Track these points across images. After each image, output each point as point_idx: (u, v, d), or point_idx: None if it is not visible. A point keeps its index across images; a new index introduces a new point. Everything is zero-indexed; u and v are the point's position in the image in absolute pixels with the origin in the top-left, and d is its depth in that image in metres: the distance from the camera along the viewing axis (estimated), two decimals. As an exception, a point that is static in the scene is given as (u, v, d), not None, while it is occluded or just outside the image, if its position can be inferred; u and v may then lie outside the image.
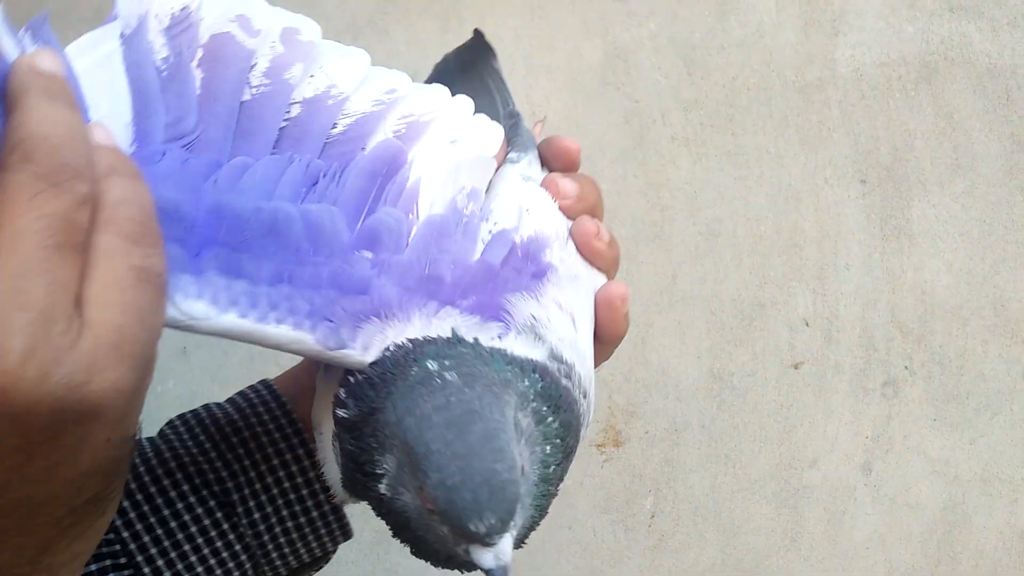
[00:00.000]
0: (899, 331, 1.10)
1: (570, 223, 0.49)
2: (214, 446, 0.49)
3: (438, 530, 0.37)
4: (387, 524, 0.41)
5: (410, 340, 0.40)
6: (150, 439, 0.50)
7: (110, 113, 0.39)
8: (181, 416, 0.51)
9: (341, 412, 0.40)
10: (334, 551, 0.52)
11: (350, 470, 0.41)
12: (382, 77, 0.47)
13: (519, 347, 0.41)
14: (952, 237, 1.10)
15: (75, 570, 0.34)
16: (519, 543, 0.40)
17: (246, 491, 0.48)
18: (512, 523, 0.36)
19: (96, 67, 0.40)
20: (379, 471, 0.38)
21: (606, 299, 0.47)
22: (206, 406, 0.52)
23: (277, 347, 0.39)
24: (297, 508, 0.49)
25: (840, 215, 1.09)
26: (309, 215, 0.40)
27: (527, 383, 0.40)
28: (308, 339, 0.39)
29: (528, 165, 0.50)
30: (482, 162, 0.47)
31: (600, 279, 0.49)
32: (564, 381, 0.42)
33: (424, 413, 0.37)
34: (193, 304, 0.37)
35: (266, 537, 0.48)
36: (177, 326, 0.37)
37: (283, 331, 0.38)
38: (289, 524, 0.48)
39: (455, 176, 0.45)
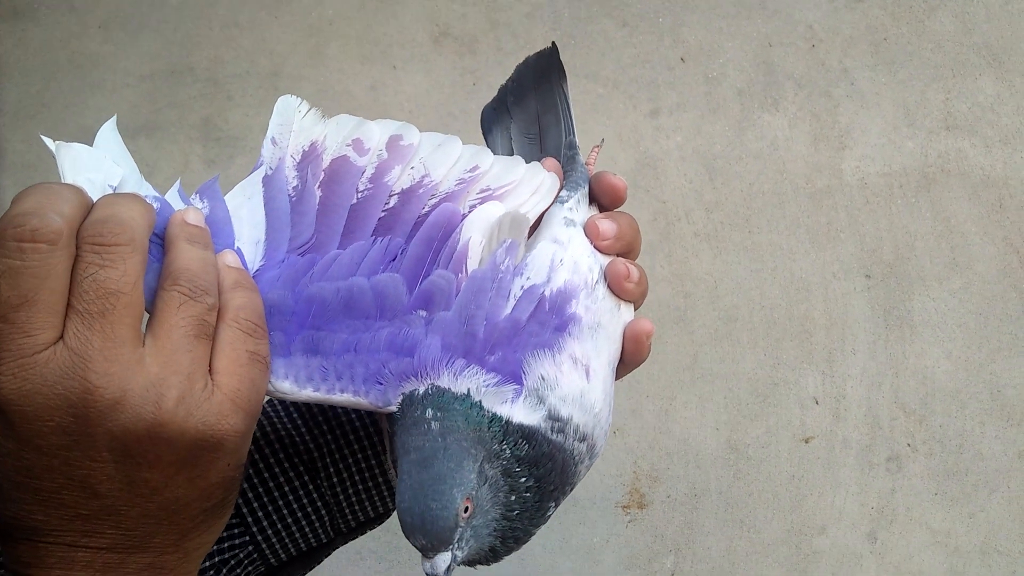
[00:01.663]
0: (902, 411, 1.21)
1: (605, 261, 0.54)
2: (304, 422, 0.60)
3: None
4: None
5: (425, 390, 0.47)
6: None
7: (249, 237, 0.50)
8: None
9: (387, 420, 0.50)
10: (393, 510, 0.61)
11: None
12: (468, 156, 0.53)
13: (519, 414, 0.47)
14: (951, 328, 1.21)
15: (203, 554, 0.46)
16: (484, 562, 0.48)
17: (327, 459, 0.60)
18: (448, 547, 0.45)
19: (243, 206, 0.51)
20: (394, 483, 0.50)
21: (634, 335, 0.53)
22: None
23: (344, 407, 0.49)
24: (367, 475, 0.60)
25: (847, 305, 1.21)
26: (377, 284, 0.48)
27: (506, 447, 0.47)
28: (364, 402, 0.48)
29: (575, 205, 0.55)
30: (520, 220, 0.52)
31: (628, 312, 0.54)
32: (555, 436, 0.48)
33: (407, 448, 0.46)
34: (282, 383, 0.47)
35: (341, 496, 0.60)
36: (274, 396, 0.48)
37: (346, 398, 0.47)
38: (359, 487, 0.60)
39: (497, 231, 0.51)
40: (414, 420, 0.46)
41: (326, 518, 0.60)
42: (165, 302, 0.43)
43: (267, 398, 0.64)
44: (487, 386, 0.47)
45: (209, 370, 0.44)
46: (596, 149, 0.62)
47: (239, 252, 0.49)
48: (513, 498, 0.47)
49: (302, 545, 0.60)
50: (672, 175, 1.21)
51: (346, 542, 0.64)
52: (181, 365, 0.42)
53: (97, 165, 0.47)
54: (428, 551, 0.45)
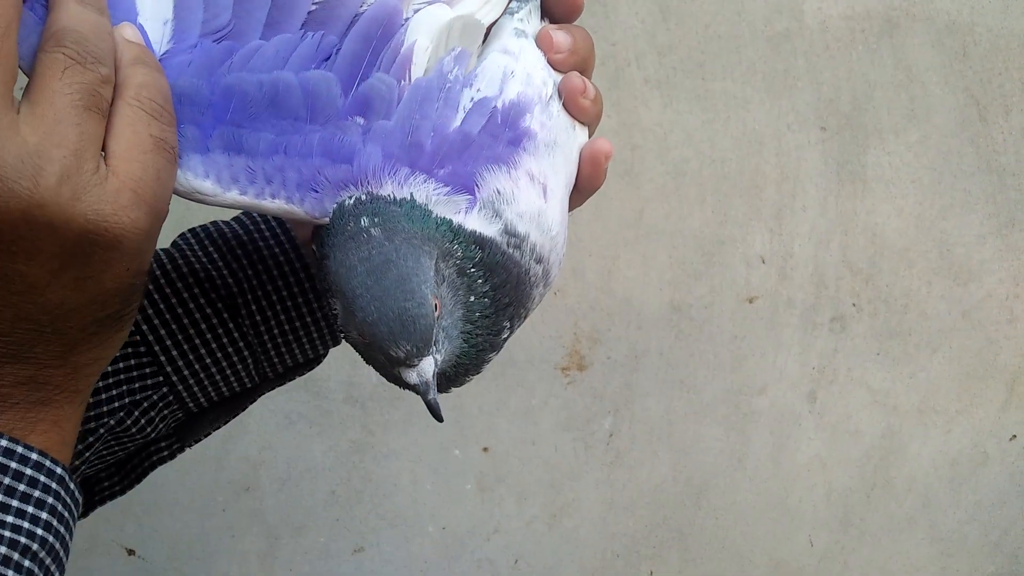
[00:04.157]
0: (849, 270, 1.17)
1: (559, 77, 0.50)
2: (221, 256, 0.55)
3: (377, 358, 0.44)
4: None
5: (356, 199, 0.44)
6: (164, 250, 0.56)
7: (153, 15, 0.43)
8: (191, 230, 0.57)
9: (315, 250, 0.46)
10: (324, 355, 0.59)
11: (326, 307, 0.47)
12: None
13: (473, 222, 0.45)
14: (904, 183, 1.16)
15: (95, 372, 0.42)
16: (455, 379, 0.47)
17: (248, 296, 0.55)
18: (430, 348, 0.43)
19: None
20: (334, 311, 0.45)
21: (592, 155, 0.50)
22: (214, 223, 0.58)
23: (274, 215, 0.44)
24: (293, 314, 0.56)
25: (800, 159, 1.15)
26: (307, 82, 0.43)
27: (457, 246, 0.45)
28: (298, 211, 0.44)
29: (526, 16, 0.52)
30: (474, 26, 0.48)
31: (583, 134, 0.51)
32: (511, 251, 0.46)
33: (351, 264, 0.42)
34: (202, 183, 0.42)
35: (265, 336, 0.55)
36: (188, 198, 0.43)
37: (277, 204, 0.43)
38: (286, 327, 0.56)
39: (446, 38, 0.47)
40: (350, 233, 0.43)
41: (249, 360, 0.55)
42: (46, 64, 0.37)
43: (178, 236, 0.56)
44: (437, 195, 0.44)
45: (104, 154, 0.38)
46: None
47: (141, 28, 0.43)
48: (472, 299, 0.45)
49: (224, 389, 0.55)
50: (623, 14, 1.11)
51: (272, 388, 0.59)
52: (66, 138, 0.36)
53: None
54: (413, 357, 0.42)
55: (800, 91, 1.14)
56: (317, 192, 0.43)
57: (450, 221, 0.44)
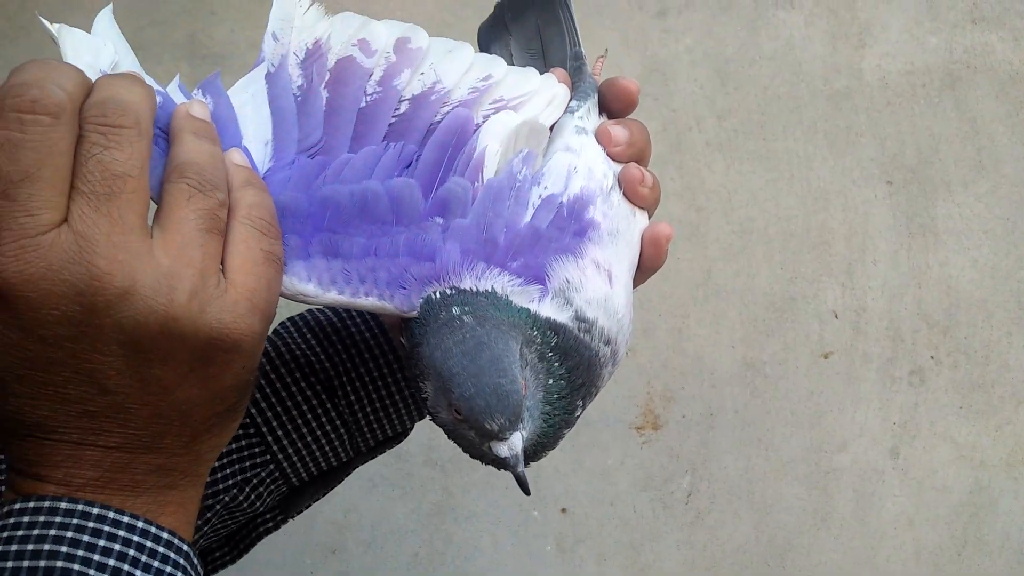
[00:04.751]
0: (925, 323, 1.17)
1: (618, 168, 0.54)
2: (318, 342, 0.60)
3: (467, 435, 0.48)
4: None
5: (443, 292, 0.48)
6: (267, 337, 0.61)
7: (255, 137, 0.49)
8: (291, 318, 0.63)
9: (403, 341, 0.51)
10: (411, 428, 0.64)
11: (412, 389, 0.52)
12: (481, 65, 0.52)
13: (547, 310, 0.49)
14: (976, 234, 1.16)
15: (214, 457, 0.47)
16: (533, 456, 0.50)
17: (344, 378, 0.60)
18: (519, 424, 0.46)
19: (247, 103, 0.50)
20: (424, 395, 0.49)
21: (653, 239, 0.54)
22: (310, 311, 0.63)
23: (369, 311, 0.49)
24: (384, 392, 0.61)
25: (867, 214, 1.16)
26: (392, 189, 0.48)
27: (536, 333, 0.49)
28: (389, 306, 0.48)
29: (586, 114, 0.56)
30: (539, 130, 0.52)
31: (643, 219, 0.54)
32: (582, 335, 0.49)
33: (447, 347, 0.46)
34: (305, 286, 0.47)
35: (359, 415, 0.60)
36: (292, 299, 0.48)
37: (371, 302, 0.48)
38: (377, 405, 0.61)
39: (514, 141, 0.51)
40: (443, 321, 0.47)
41: (345, 437, 0.60)
42: (173, 195, 0.41)
43: (279, 324, 0.61)
44: (512, 286, 0.48)
45: (223, 268, 0.42)
46: (601, 60, 0.61)
47: (246, 151, 0.48)
48: (551, 382, 0.48)
49: (323, 464, 0.60)
50: (682, 81, 1.15)
51: (365, 461, 0.64)
52: (193, 259, 0.40)
53: (98, 51, 0.45)
54: (505, 431, 0.45)
55: (863, 147, 1.15)
56: (405, 289, 0.47)
57: (528, 309, 0.48)
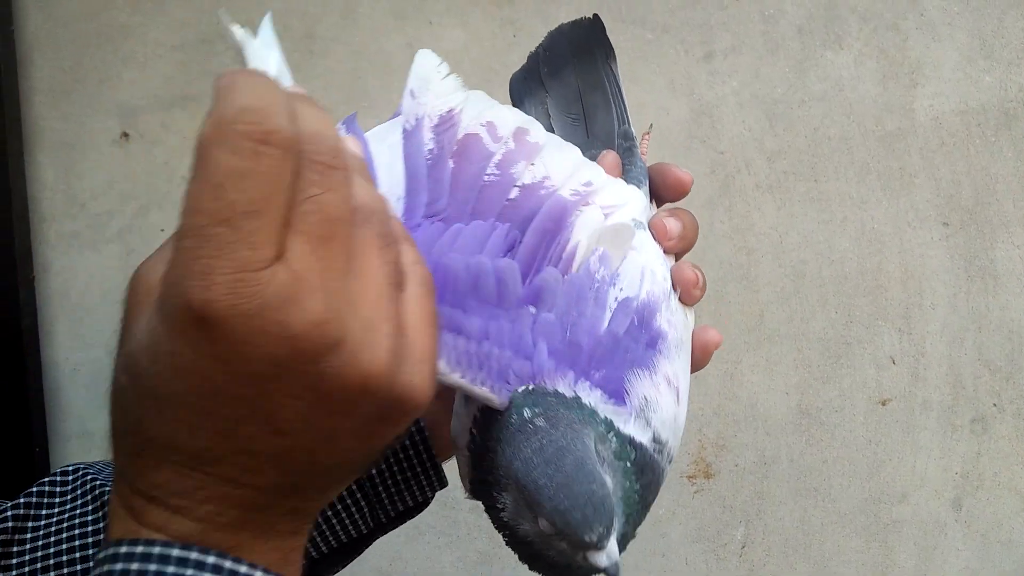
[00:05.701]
0: (987, 369, 1.13)
1: (669, 263, 0.54)
2: None
3: (558, 546, 0.45)
4: (503, 537, 0.49)
5: (525, 389, 0.47)
6: None
7: (389, 189, 0.50)
8: None
9: (470, 440, 0.49)
10: (432, 497, 0.63)
11: (476, 489, 0.50)
12: (585, 170, 0.53)
13: (631, 429, 0.48)
14: (1038, 277, 1.12)
15: (329, 500, 0.45)
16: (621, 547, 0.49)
17: None
18: (614, 528, 0.44)
19: (385, 152, 0.51)
20: (499, 505, 0.47)
21: (703, 346, 0.54)
22: None
23: (476, 398, 0.49)
24: (404, 464, 0.60)
25: (924, 256, 1.13)
26: (499, 270, 0.48)
27: (614, 439, 0.47)
28: (495, 400, 0.47)
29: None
30: (625, 234, 0.52)
31: (692, 317, 0.54)
32: (656, 456, 0.48)
33: (527, 457, 0.44)
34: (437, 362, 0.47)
35: (380, 488, 0.60)
36: None
37: (483, 392, 0.47)
38: (398, 477, 0.60)
39: (596, 239, 0.51)
40: (517, 426, 0.45)
41: (365, 509, 0.60)
42: (366, 243, 0.38)
43: None
44: (600, 403, 0.47)
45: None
46: (646, 137, 0.61)
47: None
48: (628, 484, 0.47)
49: (342, 536, 0.60)
50: (729, 123, 1.14)
51: (385, 532, 0.63)
52: (390, 313, 0.38)
53: (269, 62, 0.44)
54: (604, 539, 0.43)
55: (918, 188, 1.13)
56: (509, 384, 0.47)
57: (611, 420, 0.47)
